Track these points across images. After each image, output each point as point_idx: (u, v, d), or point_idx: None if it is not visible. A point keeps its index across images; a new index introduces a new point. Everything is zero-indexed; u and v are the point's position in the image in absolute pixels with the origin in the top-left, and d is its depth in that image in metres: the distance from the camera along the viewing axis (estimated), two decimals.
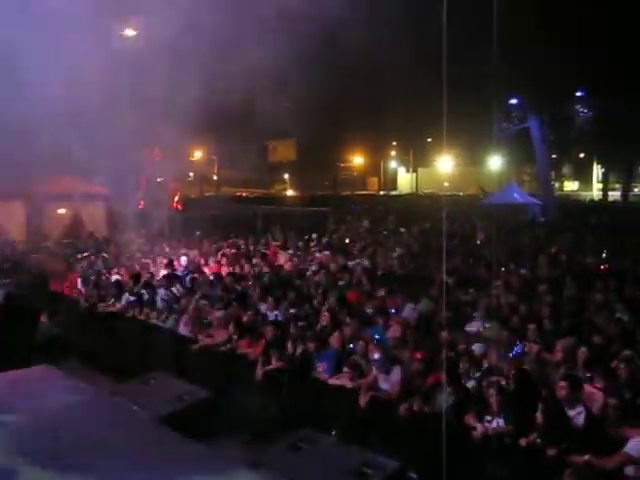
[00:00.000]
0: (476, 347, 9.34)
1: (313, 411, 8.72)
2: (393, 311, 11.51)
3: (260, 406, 9.36)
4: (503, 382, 7.45)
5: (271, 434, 8.45)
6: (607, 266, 16.60)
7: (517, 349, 8.92)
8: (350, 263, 17.00)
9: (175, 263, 17.08)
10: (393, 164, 79.44)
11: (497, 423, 7.21)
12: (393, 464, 6.15)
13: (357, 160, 75.12)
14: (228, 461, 6.32)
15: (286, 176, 70.82)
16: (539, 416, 6.82)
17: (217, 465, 5.76)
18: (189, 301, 12.64)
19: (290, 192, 65.11)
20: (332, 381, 8.93)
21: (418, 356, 8.64)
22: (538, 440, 6.76)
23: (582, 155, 63.46)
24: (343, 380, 8.76)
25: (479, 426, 7.22)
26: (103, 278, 15.63)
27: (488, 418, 7.26)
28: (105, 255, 18.43)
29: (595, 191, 63.58)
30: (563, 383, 7.18)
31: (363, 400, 8.25)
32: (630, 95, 31.89)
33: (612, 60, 29.64)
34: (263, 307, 12.22)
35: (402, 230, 26.15)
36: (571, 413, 7.03)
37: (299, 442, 6.32)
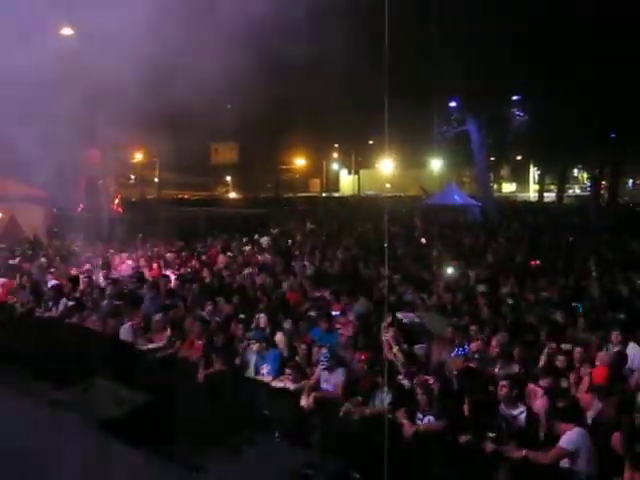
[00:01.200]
0: (418, 347, 9.46)
1: (256, 413, 8.69)
2: (337, 313, 11.57)
3: (202, 409, 9.29)
4: (431, 381, 7.54)
5: (213, 437, 8.40)
6: (539, 263, 17.03)
7: (459, 351, 9.03)
8: (293, 264, 17.04)
9: (115, 267, 16.81)
10: (335, 166, 79.85)
11: (428, 420, 7.32)
12: (335, 464, 6.19)
13: (299, 162, 75.15)
14: (169, 466, 6.26)
15: (228, 178, 70.41)
16: (466, 409, 6.94)
17: (157, 471, 5.71)
18: (130, 305, 12.45)
19: (233, 194, 64.78)
20: (275, 383, 8.93)
21: (362, 357, 8.69)
22: (470, 437, 6.88)
23: (519, 158, 64.90)
24: (286, 382, 8.76)
25: (406, 423, 7.32)
26: (40, 283, 15.24)
27: (420, 416, 7.36)
28: (43, 259, 17.98)
29: (532, 192, 65.08)
30: (504, 382, 7.32)
31: (306, 401, 8.27)
32: (563, 98, 32.72)
33: (546, 63, 30.40)
34: (204, 310, 12.12)
35: (344, 231, 26.30)
36: (513, 412, 7.17)
37: (241, 445, 6.29)
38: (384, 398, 7.84)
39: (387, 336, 9.25)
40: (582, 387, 7.84)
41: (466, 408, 6.99)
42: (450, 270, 15.31)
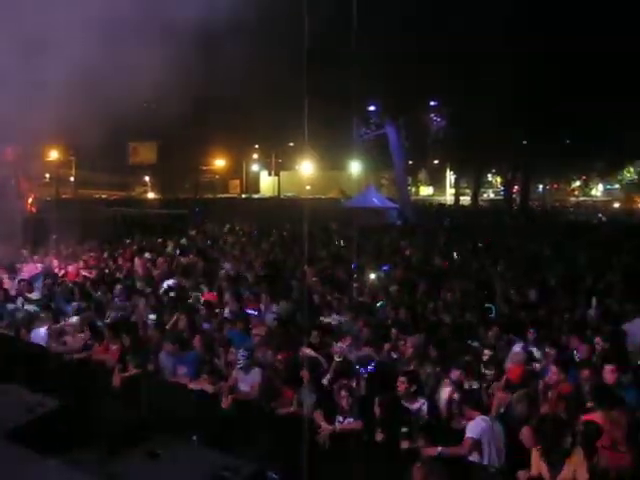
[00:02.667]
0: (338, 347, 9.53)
1: (173, 417, 8.59)
2: (254, 313, 11.56)
3: (118, 414, 9.11)
4: (354, 383, 7.64)
5: (129, 442, 8.25)
6: (448, 263, 17.51)
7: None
8: (211, 266, 16.94)
9: (27, 269, 16.29)
10: (255, 167, 79.63)
11: (348, 422, 7.42)
12: (252, 466, 6.17)
13: (219, 163, 74.58)
14: (82, 473, 6.11)
15: (147, 178, 69.24)
16: (377, 410, 7.07)
17: (69, 479, 5.57)
18: (44, 308, 12.09)
19: (151, 195, 63.74)
20: (192, 385, 8.84)
21: (279, 357, 8.72)
22: (381, 434, 7.00)
23: (436, 162, 66.35)
24: (203, 384, 8.69)
25: (324, 425, 7.39)
26: None
27: (340, 419, 7.45)
28: None
29: (448, 196, 66.61)
30: (402, 378, 7.51)
31: (225, 402, 8.24)
32: (478, 105, 33.68)
33: (463, 70, 31.20)
34: (120, 312, 11.91)
35: (263, 233, 26.29)
36: (412, 406, 7.38)
37: (157, 449, 6.20)
38: (306, 397, 7.91)
39: (311, 337, 9.31)
40: (497, 385, 8.06)
41: (377, 409, 7.12)
42: (368, 271, 15.52)
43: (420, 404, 7.41)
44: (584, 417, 6.71)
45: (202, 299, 12.93)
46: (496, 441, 6.66)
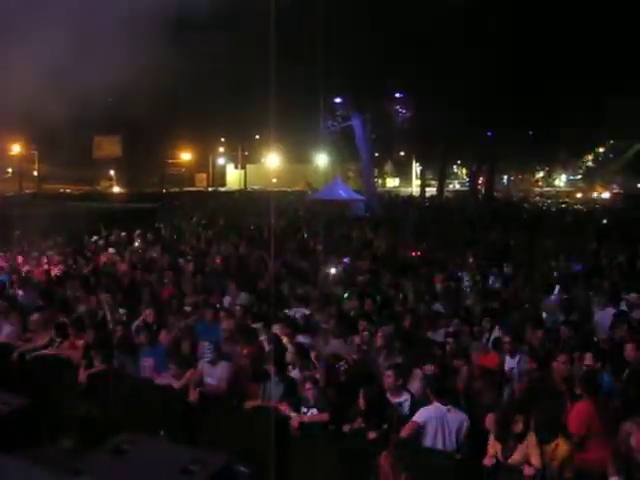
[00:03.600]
0: (301, 338, 9.58)
1: (140, 412, 8.56)
2: (218, 305, 11.55)
3: (84, 411, 9.04)
4: (318, 375, 7.67)
5: (95, 439, 8.19)
6: (421, 253, 17.62)
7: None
8: (179, 260, 16.87)
9: None
10: (222, 160, 79.18)
11: (312, 413, 7.46)
12: (221, 459, 6.15)
13: (185, 156, 73.99)
14: (49, 473, 6.05)
15: (112, 172, 68.43)
16: (361, 402, 7.12)
17: (35, 477, 5.51)
18: (7, 306, 11.91)
19: (117, 189, 63.04)
20: (159, 380, 8.81)
21: (245, 351, 8.73)
22: (362, 425, 7.07)
23: (402, 153, 66.67)
24: (169, 379, 8.67)
25: (294, 415, 7.43)
26: None
27: (304, 410, 7.50)
28: None
29: (414, 187, 66.97)
30: (389, 372, 7.52)
31: (193, 395, 8.22)
32: (443, 97, 33.92)
33: (429, 62, 31.40)
34: (85, 307, 11.81)
35: (230, 226, 26.23)
36: (397, 400, 7.40)
37: (123, 445, 6.16)
38: (272, 390, 7.94)
39: (276, 329, 9.33)
40: (462, 374, 8.17)
41: (361, 402, 7.14)
42: (334, 263, 15.58)
43: (404, 398, 7.42)
44: (576, 405, 6.81)
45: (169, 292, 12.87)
46: (450, 429, 6.72)
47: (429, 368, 7.97)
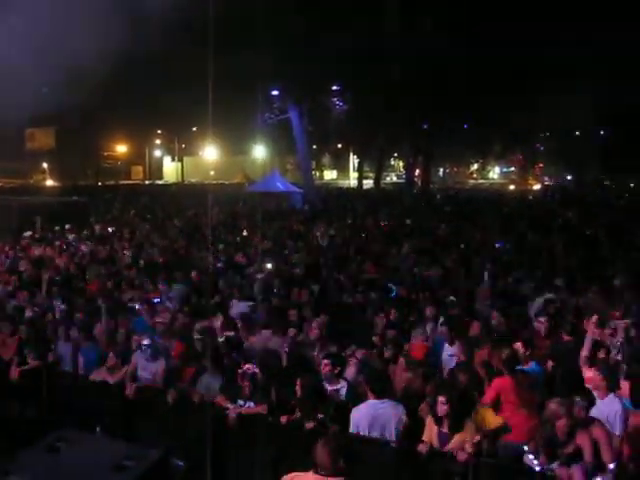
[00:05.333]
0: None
1: (76, 409, 8.41)
2: (157, 300, 11.44)
3: (17, 409, 8.86)
4: (256, 370, 7.68)
5: (28, 438, 8.03)
6: (359, 246, 17.77)
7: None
8: (115, 254, 16.63)
9: None
10: (158, 153, 78.10)
11: (249, 406, 7.48)
12: (157, 453, 6.12)
13: (121, 149, 72.72)
14: None
15: (45, 165, 66.72)
16: (298, 391, 7.17)
17: None
18: None
19: (50, 182, 61.54)
20: (93, 376, 8.68)
21: (180, 344, 8.68)
22: (298, 414, 7.11)
23: (340, 146, 66.96)
24: (104, 374, 8.55)
25: (231, 407, 7.44)
26: None
27: (241, 402, 7.51)
28: None
29: (352, 180, 67.38)
30: (325, 361, 7.57)
31: (129, 390, 8.13)
32: (379, 90, 34.25)
33: (365, 55, 31.60)
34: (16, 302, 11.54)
35: (168, 219, 25.95)
36: (333, 387, 7.47)
37: (56, 443, 6.06)
38: (209, 383, 7.92)
39: (216, 323, 9.29)
40: (399, 364, 8.29)
41: (298, 391, 7.17)
42: (272, 256, 15.60)
43: (340, 385, 7.48)
44: (495, 380, 7.15)
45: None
46: (385, 423, 6.74)
47: (361, 353, 8.09)
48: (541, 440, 6.02)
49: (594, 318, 7.84)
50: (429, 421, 6.60)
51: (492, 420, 6.71)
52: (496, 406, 6.94)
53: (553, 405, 6.02)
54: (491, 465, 6.29)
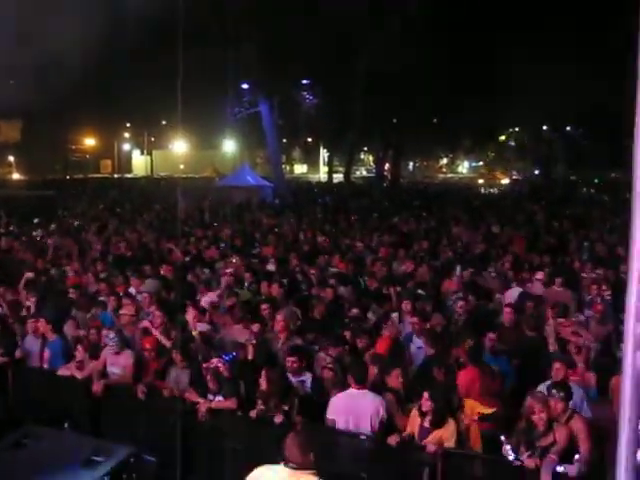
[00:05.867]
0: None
1: (44, 405, 8.34)
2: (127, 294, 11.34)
3: None
4: (221, 365, 7.68)
5: None
6: (328, 240, 17.78)
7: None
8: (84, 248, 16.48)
9: None
10: (127, 146, 77.35)
11: (218, 400, 7.49)
12: (127, 449, 6.12)
13: (90, 142, 71.88)
14: None
15: (12, 158, 65.74)
16: (262, 383, 7.19)
17: None
18: None
19: (16, 175, 60.69)
20: (61, 371, 8.61)
21: (147, 344, 8.61)
22: (262, 407, 7.12)
23: (310, 140, 66.90)
24: (72, 369, 8.48)
25: (201, 401, 7.45)
26: None
27: (210, 397, 7.52)
28: None
29: (322, 174, 67.42)
30: (292, 358, 7.58)
31: (97, 387, 8.08)
32: (348, 84, 34.33)
33: (335, 50, 31.67)
34: None
35: (137, 213, 25.75)
36: (298, 379, 7.50)
37: (23, 439, 6.03)
38: (178, 377, 7.90)
39: (187, 316, 9.24)
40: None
41: (262, 382, 7.19)
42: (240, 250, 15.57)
43: (305, 377, 7.51)
44: (460, 373, 7.24)
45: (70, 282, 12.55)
46: (361, 414, 6.77)
47: (334, 350, 8.12)
48: (519, 433, 6.15)
49: (554, 310, 8.02)
50: (414, 414, 6.67)
51: (482, 409, 6.82)
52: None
53: (530, 399, 6.15)
54: (459, 455, 6.40)
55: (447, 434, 6.41)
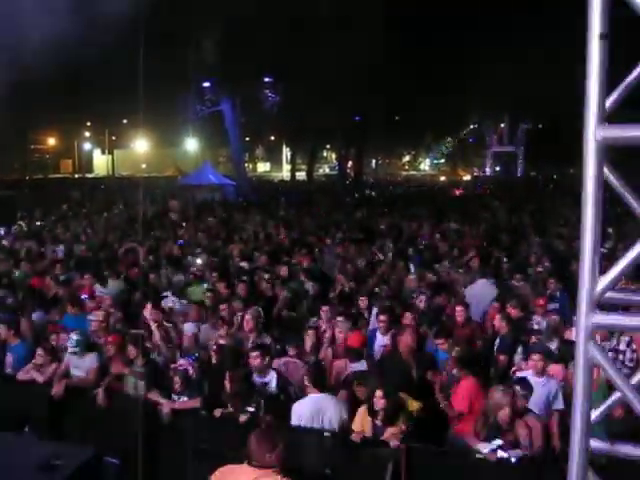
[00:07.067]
0: (186, 327, 9.48)
1: (3, 409, 8.20)
2: (85, 296, 11.23)
3: None
4: (189, 367, 7.63)
5: None
6: (295, 238, 17.81)
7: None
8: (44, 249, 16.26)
9: None
10: (88, 145, 76.29)
11: (182, 400, 7.47)
12: (88, 451, 6.04)
13: (50, 141, 70.76)
14: None
15: None
16: (227, 384, 7.17)
17: None
18: None
19: None
20: (21, 375, 8.46)
21: (110, 339, 8.54)
22: (231, 410, 7.11)
23: (273, 138, 66.82)
24: (33, 373, 8.35)
25: (165, 402, 7.41)
26: None
27: (175, 397, 7.49)
28: None
29: (285, 172, 67.39)
30: (255, 353, 7.52)
31: (56, 389, 7.97)
32: (309, 82, 34.34)
33: (298, 47, 31.62)
34: None
35: (99, 213, 25.49)
36: (263, 380, 7.45)
37: None
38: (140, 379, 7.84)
39: (146, 316, 9.15)
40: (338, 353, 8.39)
41: (227, 383, 7.16)
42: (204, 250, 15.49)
43: (269, 378, 7.45)
44: (461, 382, 7.19)
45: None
46: (325, 418, 6.78)
47: (294, 350, 8.15)
48: (485, 428, 6.24)
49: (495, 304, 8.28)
50: (362, 411, 6.70)
51: (415, 405, 6.86)
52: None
53: (497, 394, 6.21)
54: (422, 449, 6.46)
55: (400, 431, 6.47)
